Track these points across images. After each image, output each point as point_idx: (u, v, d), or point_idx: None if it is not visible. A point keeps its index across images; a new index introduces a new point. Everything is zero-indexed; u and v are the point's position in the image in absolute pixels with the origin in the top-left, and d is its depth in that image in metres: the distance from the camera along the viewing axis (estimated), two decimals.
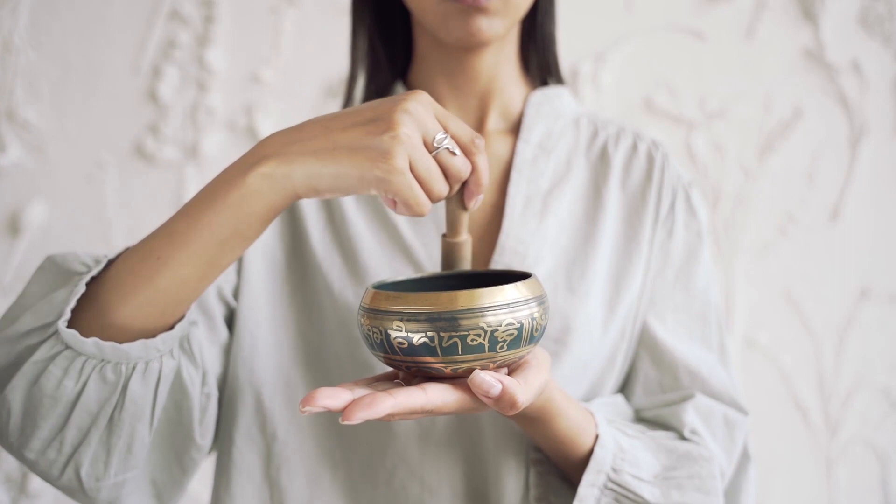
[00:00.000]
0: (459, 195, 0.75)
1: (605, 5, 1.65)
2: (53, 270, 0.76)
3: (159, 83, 1.63)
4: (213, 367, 0.90)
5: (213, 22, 1.63)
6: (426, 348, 0.63)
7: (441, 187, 0.69)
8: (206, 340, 0.91)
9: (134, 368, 0.73)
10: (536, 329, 0.66)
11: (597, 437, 0.81)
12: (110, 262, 0.75)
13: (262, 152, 0.68)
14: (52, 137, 1.62)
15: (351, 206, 0.94)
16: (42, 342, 0.72)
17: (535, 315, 0.65)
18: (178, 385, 0.80)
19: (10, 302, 1.57)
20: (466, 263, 0.79)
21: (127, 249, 0.75)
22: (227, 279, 0.93)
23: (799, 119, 1.64)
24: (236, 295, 0.93)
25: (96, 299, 0.72)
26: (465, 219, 0.77)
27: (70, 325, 0.72)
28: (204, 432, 0.85)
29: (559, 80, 1.03)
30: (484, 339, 0.63)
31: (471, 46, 0.91)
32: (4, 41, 1.61)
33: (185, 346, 0.79)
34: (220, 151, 1.64)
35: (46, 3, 1.61)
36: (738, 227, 1.65)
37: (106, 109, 1.63)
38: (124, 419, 0.74)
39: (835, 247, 1.65)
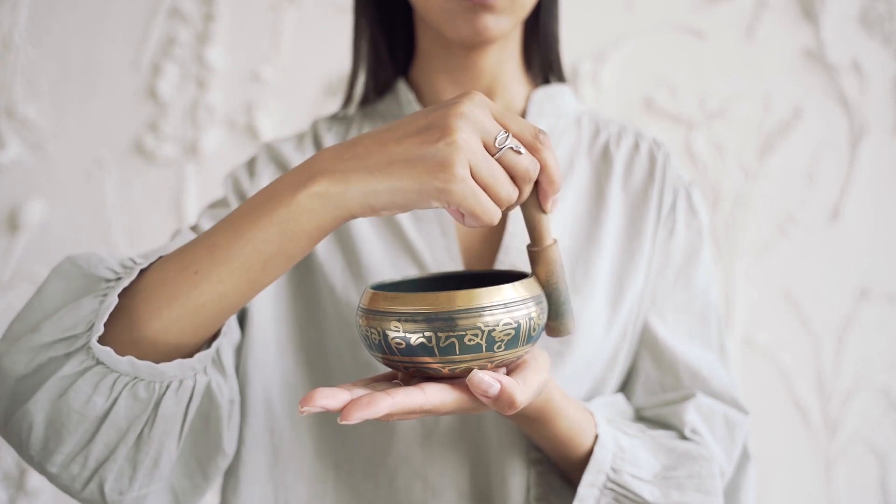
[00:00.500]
0: (535, 198, 0.69)
1: (606, 4, 1.65)
2: (76, 274, 0.73)
3: (159, 81, 1.63)
4: (233, 369, 0.88)
5: (213, 20, 1.63)
6: (424, 348, 0.63)
7: (509, 191, 0.65)
8: (226, 343, 0.90)
9: (168, 387, 0.70)
10: (534, 329, 0.66)
11: (596, 436, 0.81)
12: (142, 271, 0.71)
13: (314, 169, 0.64)
14: (52, 135, 1.61)
15: None
16: (69, 355, 0.68)
17: (533, 315, 0.65)
18: (207, 398, 0.79)
19: (9, 300, 1.59)
20: (559, 270, 0.71)
21: (161, 258, 0.71)
22: None
23: (799, 119, 1.64)
24: None
25: (126, 311, 0.69)
26: (545, 223, 0.71)
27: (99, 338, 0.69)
28: (230, 438, 0.84)
29: (561, 78, 1.03)
30: (481, 339, 0.63)
31: (476, 44, 0.91)
32: (4, 38, 1.61)
33: (215, 357, 0.78)
34: (219, 149, 1.64)
35: (46, 0, 1.61)
36: (738, 226, 1.65)
37: (105, 107, 1.63)
38: (154, 436, 0.72)
39: (834, 247, 1.64)
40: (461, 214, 0.64)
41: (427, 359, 0.64)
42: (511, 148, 0.64)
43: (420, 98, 0.99)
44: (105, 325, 0.69)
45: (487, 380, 0.63)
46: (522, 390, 0.65)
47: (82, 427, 0.69)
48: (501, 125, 0.65)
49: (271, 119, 1.64)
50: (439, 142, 0.62)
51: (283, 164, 0.98)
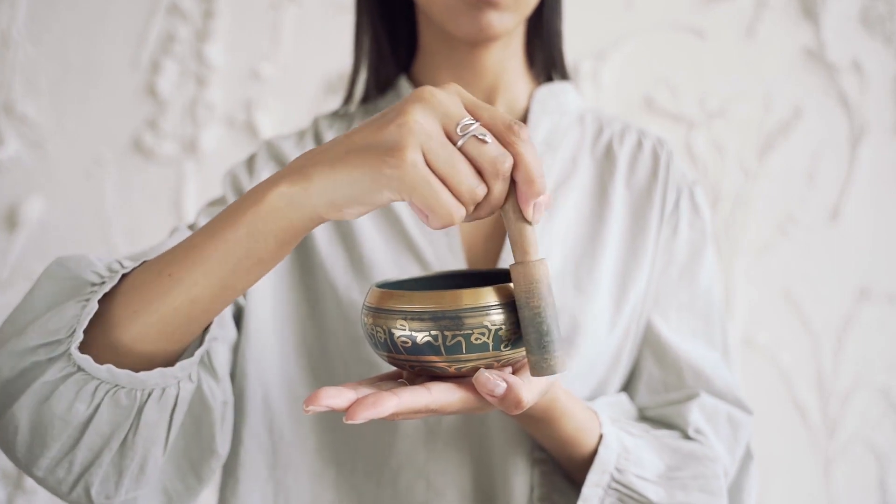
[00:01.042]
0: (514, 203, 0.61)
1: (606, 4, 1.65)
2: (63, 277, 0.72)
3: (158, 78, 1.62)
4: (226, 370, 0.88)
5: (212, 17, 1.63)
6: (430, 347, 0.63)
7: (471, 185, 0.58)
8: (219, 342, 0.89)
9: (150, 395, 0.69)
10: None
11: (601, 436, 0.80)
12: (125, 275, 0.70)
13: (285, 170, 0.62)
14: (51, 132, 1.61)
15: None
16: (52, 361, 0.67)
17: None
18: (199, 401, 0.78)
19: (8, 298, 1.58)
20: (542, 292, 0.62)
21: (144, 263, 0.71)
22: None
23: (799, 118, 1.64)
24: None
25: (105, 316, 0.68)
26: (527, 234, 0.62)
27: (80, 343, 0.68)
28: (224, 440, 0.83)
29: (564, 75, 1.03)
30: (488, 338, 0.62)
31: (480, 41, 0.90)
32: (3, 36, 1.60)
33: (206, 361, 0.77)
34: (218, 147, 1.64)
35: None
36: (738, 226, 1.65)
37: (105, 104, 1.62)
38: (137, 442, 0.71)
39: (834, 247, 1.65)
40: (423, 214, 0.59)
41: (433, 357, 0.63)
42: (476, 136, 0.59)
43: None
44: (86, 330, 0.68)
45: (494, 379, 0.63)
46: (529, 390, 0.64)
47: (66, 432, 0.68)
48: (472, 113, 0.60)
49: (271, 117, 1.64)
50: (391, 125, 0.58)
51: (282, 161, 0.97)
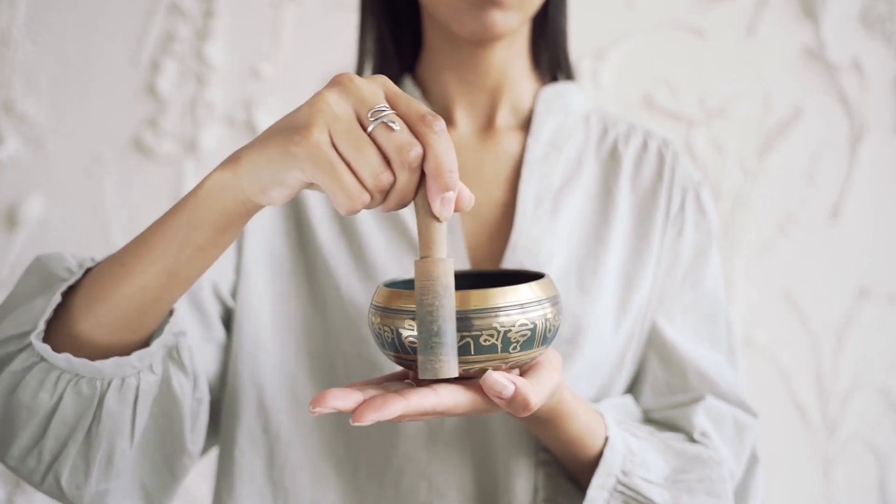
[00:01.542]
0: (424, 195, 0.61)
1: (606, 3, 1.64)
2: (38, 273, 0.74)
3: (158, 77, 1.62)
4: (208, 368, 0.89)
5: (212, 16, 1.62)
6: None
7: (375, 170, 0.58)
8: (201, 339, 0.90)
9: (109, 384, 0.71)
10: (549, 330, 0.65)
11: (606, 438, 0.80)
12: (88, 271, 0.73)
13: (226, 159, 0.65)
14: (51, 131, 1.61)
15: None
16: (19, 352, 0.70)
17: (549, 316, 0.65)
18: (168, 396, 0.78)
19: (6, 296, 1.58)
20: (437, 290, 0.59)
21: (107, 257, 0.73)
22: (224, 277, 0.92)
23: (799, 118, 1.64)
24: (234, 294, 0.92)
25: (67, 309, 0.71)
26: (433, 230, 0.60)
27: (45, 334, 0.71)
28: (195, 439, 0.83)
29: (569, 75, 1.03)
30: (497, 340, 0.62)
31: (484, 40, 0.90)
32: (3, 34, 1.60)
33: (175, 355, 0.77)
34: (218, 146, 1.63)
35: None
36: (738, 225, 1.65)
37: (104, 103, 1.62)
38: (102, 433, 0.72)
39: (834, 246, 1.65)
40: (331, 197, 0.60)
41: None
42: (385, 123, 0.58)
43: (426, 95, 0.98)
44: (51, 322, 0.70)
45: (502, 381, 0.63)
46: (537, 392, 0.64)
47: (32, 421, 0.70)
48: (389, 102, 0.60)
49: (271, 116, 1.64)
50: (304, 106, 0.59)
51: None
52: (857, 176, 1.64)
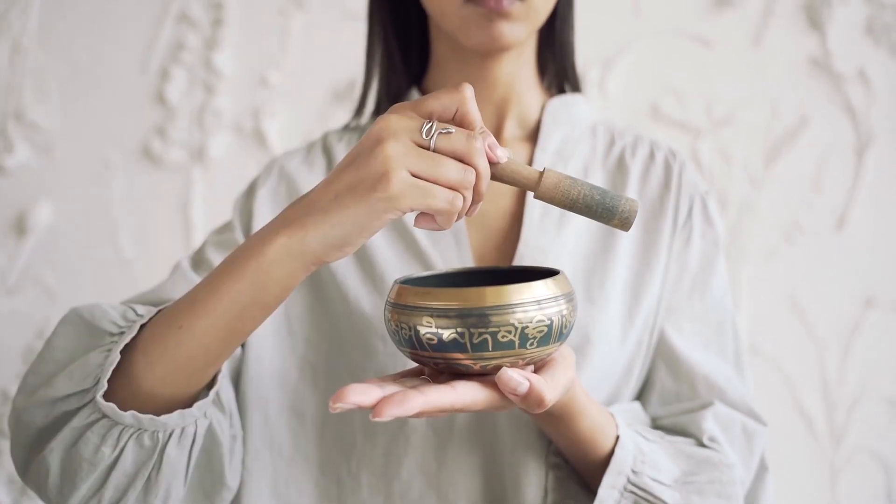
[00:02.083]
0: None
1: (613, 11, 1.65)
2: (82, 327, 0.76)
3: (167, 85, 1.63)
4: (233, 403, 0.89)
5: (221, 25, 1.63)
6: (456, 345, 0.63)
7: (460, 174, 0.64)
8: (224, 377, 0.90)
9: (171, 435, 0.73)
10: (565, 326, 0.66)
11: (617, 438, 0.80)
12: (141, 327, 0.74)
13: (278, 222, 0.67)
14: (60, 138, 1.61)
15: None
16: (79, 409, 0.71)
17: (565, 312, 0.65)
18: (210, 436, 0.80)
19: (16, 303, 1.58)
20: (568, 184, 0.67)
21: (159, 312, 0.74)
22: None
23: (805, 127, 1.64)
24: None
25: (125, 366, 0.72)
26: (513, 166, 0.68)
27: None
28: (233, 473, 0.85)
29: (576, 87, 1.03)
30: (514, 336, 0.63)
31: (492, 52, 0.91)
32: (14, 42, 1.61)
33: (215, 398, 0.79)
34: (226, 154, 1.64)
35: (56, 4, 1.61)
36: (744, 234, 1.65)
37: (113, 111, 1.63)
38: (161, 480, 0.74)
39: (840, 254, 1.65)
40: (429, 218, 0.65)
41: (458, 355, 0.64)
42: (441, 132, 0.64)
43: None
44: (108, 379, 0.71)
45: (517, 378, 0.63)
46: (551, 388, 0.65)
47: (93, 474, 0.72)
48: (425, 115, 0.65)
49: (279, 124, 1.64)
50: (370, 159, 0.62)
51: (286, 176, 0.98)
52: (863, 184, 1.64)
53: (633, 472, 0.80)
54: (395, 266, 0.91)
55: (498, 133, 0.97)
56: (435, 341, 0.64)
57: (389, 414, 0.59)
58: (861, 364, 1.65)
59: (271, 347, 0.92)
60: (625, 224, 0.67)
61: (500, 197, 0.94)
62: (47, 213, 1.61)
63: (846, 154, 1.65)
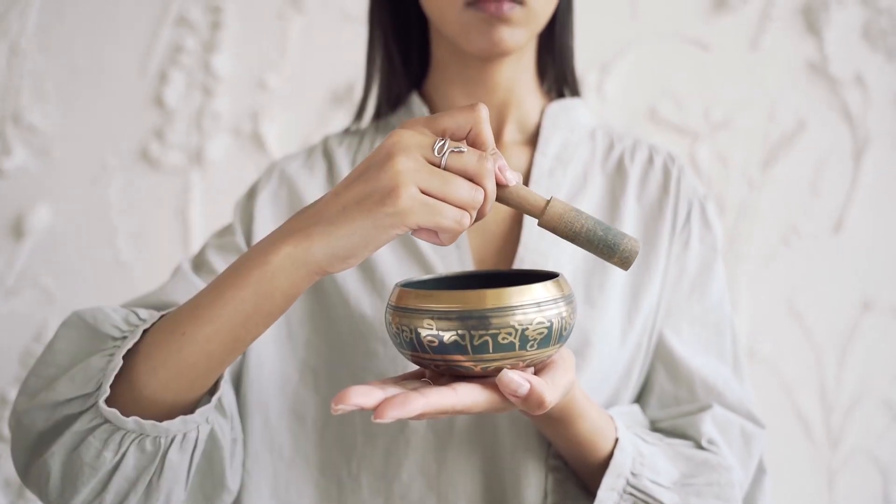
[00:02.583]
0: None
1: (611, 15, 1.65)
2: (84, 330, 0.76)
3: (165, 88, 1.63)
4: (234, 408, 0.89)
5: (219, 28, 1.63)
6: (457, 346, 0.63)
7: (470, 193, 0.64)
8: (225, 381, 0.91)
9: (172, 440, 0.73)
10: (565, 328, 0.66)
11: (616, 440, 0.81)
12: (144, 332, 0.74)
13: (283, 231, 0.67)
14: (58, 141, 1.61)
15: None
16: (81, 413, 0.72)
17: (564, 314, 0.66)
18: (211, 439, 0.80)
19: (14, 305, 1.58)
20: (573, 216, 0.67)
21: (162, 317, 0.74)
22: None
23: (803, 131, 1.65)
24: None
25: (127, 372, 0.72)
26: (522, 192, 0.68)
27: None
28: (234, 475, 0.85)
29: (575, 91, 1.04)
30: (515, 338, 0.63)
31: (492, 56, 0.91)
32: (12, 44, 1.61)
33: (218, 402, 0.80)
34: (224, 157, 1.64)
35: (54, 7, 1.61)
36: (742, 237, 1.65)
37: (112, 114, 1.63)
38: (162, 484, 0.74)
39: (838, 258, 1.65)
40: (433, 233, 0.65)
41: (459, 357, 0.64)
42: (452, 150, 0.64)
43: (433, 111, 0.99)
44: (111, 385, 0.71)
45: (517, 380, 0.64)
46: (551, 390, 0.65)
47: (94, 479, 0.72)
48: (437, 132, 0.66)
49: (277, 127, 1.65)
50: (380, 173, 0.63)
51: (287, 179, 0.99)
52: (860, 188, 1.64)
53: (633, 474, 0.80)
54: (395, 270, 0.91)
55: (498, 137, 0.97)
56: (436, 343, 0.64)
57: (391, 415, 0.60)
58: (858, 367, 1.65)
59: (272, 351, 0.92)
60: (625, 263, 0.67)
61: None
62: (45, 215, 1.61)
63: (843, 158, 1.65)
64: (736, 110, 1.65)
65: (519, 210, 0.68)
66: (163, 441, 0.72)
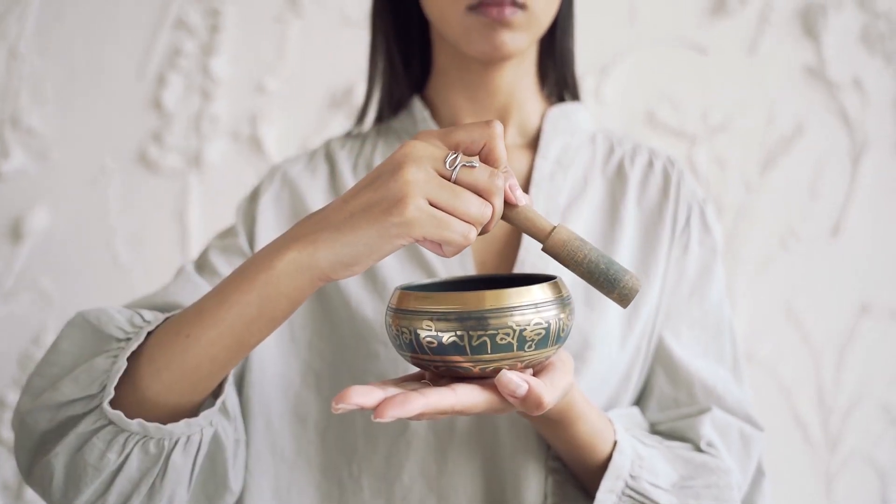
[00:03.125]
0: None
1: (609, 19, 1.66)
2: (88, 331, 0.76)
3: (164, 91, 1.63)
4: (237, 409, 0.89)
5: (218, 31, 1.63)
6: (455, 347, 0.64)
7: (478, 208, 0.64)
8: (229, 384, 0.91)
9: (176, 442, 0.73)
10: (563, 330, 0.66)
11: (615, 443, 0.81)
12: (148, 334, 0.74)
13: (289, 236, 0.67)
14: (56, 143, 1.62)
15: None
16: (85, 414, 0.72)
17: (562, 316, 0.66)
18: (214, 441, 0.81)
19: (12, 308, 1.58)
20: (578, 245, 0.67)
21: (166, 320, 0.75)
22: None
23: (801, 134, 1.65)
24: None
25: (131, 374, 0.72)
26: (530, 214, 0.68)
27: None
28: (236, 477, 0.86)
29: (576, 95, 1.04)
30: (513, 339, 0.64)
31: (493, 60, 0.92)
32: (10, 48, 1.61)
33: (222, 405, 0.80)
34: (223, 160, 1.64)
35: (53, 10, 1.61)
36: (740, 240, 1.66)
37: (110, 116, 1.63)
38: (165, 486, 0.75)
39: (835, 261, 1.65)
40: (437, 245, 0.65)
41: (458, 358, 0.64)
42: (464, 165, 0.64)
43: (435, 115, 0.99)
44: (115, 386, 0.72)
45: (516, 380, 0.64)
46: (550, 391, 0.66)
47: (97, 479, 0.72)
48: (451, 145, 0.66)
49: (275, 130, 1.65)
50: (390, 182, 0.63)
51: (289, 182, 0.99)
52: (858, 192, 1.65)
53: (632, 476, 0.80)
54: (397, 272, 0.91)
55: None
56: (435, 344, 0.64)
57: (391, 415, 0.60)
58: (856, 370, 1.66)
59: (275, 353, 0.92)
60: (623, 300, 0.67)
61: None
62: (44, 218, 1.61)
63: (841, 161, 1.66)
64: (734, 114, 1.66)
65: (524, 231, 0.68)
66: (166, 443, 0.72)
